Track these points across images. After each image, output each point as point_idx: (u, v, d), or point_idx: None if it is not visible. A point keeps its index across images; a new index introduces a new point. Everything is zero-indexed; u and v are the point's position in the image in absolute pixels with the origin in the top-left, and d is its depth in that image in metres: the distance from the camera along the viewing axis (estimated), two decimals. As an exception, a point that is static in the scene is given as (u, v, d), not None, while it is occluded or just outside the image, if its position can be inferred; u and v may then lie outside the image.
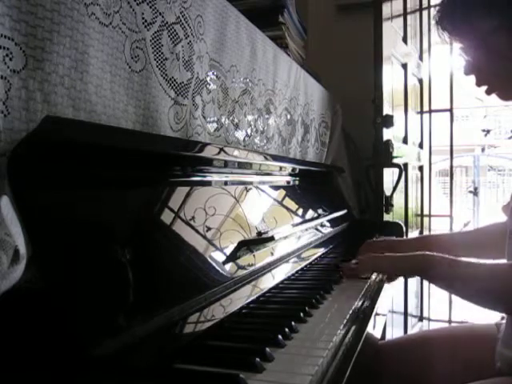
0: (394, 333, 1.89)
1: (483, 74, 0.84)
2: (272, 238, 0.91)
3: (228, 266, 0.77)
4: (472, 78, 0.86)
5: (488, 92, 0.85)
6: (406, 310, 2.15)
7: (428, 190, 2.57)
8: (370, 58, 1.80)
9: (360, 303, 0.83)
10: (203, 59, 0.89)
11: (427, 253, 0.90)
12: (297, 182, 1.39)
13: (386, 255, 1.01)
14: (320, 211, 1.45)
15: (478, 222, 9.00)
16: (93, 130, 0.57)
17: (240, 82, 1.07)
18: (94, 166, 0.57)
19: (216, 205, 0.83)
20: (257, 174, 1.10)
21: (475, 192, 9.39)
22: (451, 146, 2.82)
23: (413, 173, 2.25)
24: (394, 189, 1.87)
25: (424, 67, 2.46)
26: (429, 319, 2.66)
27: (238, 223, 0.88)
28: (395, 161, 1.84)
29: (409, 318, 2.19)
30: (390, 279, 1.07)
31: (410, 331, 2.19)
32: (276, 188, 1.20)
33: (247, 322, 0.71)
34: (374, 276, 1.03)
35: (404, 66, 2.11)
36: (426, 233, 2.51)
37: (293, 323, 0.66)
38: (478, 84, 0.86)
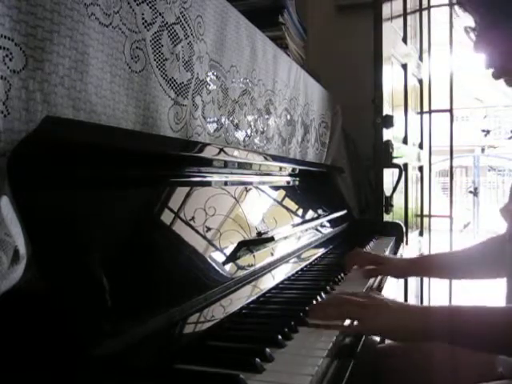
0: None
1: (495, 56, 0.81)
2: (272, 239, 0.91)
3: (228, 267, 0.77)
4: (481, 59, 0.84)
5: (496, 75, 0.83)
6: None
7: (428, 190, 2.57)
8: (370, 58, 1.80)
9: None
10: (203, 59, 0.89)
11: (421, 311, 0.78)
12: (297, 183, 1.39)
13: (375, 310, 0.75)
14: (320, 211, 1.45)
15: (477, 223, 9.01)
16: (93, 131, 0.57)
17: (240, 82, 1.07)
18: (93, 167, 0.57)
19: (216, 205, 0.83)
20: (257, 174, 1.10)
21: (475, 192, 9.39)
22: (451, 146, 2.82)
23: (413, 173, 2.25)
24: (394, 189, 1.87)
25: (424, 67, 2.46)
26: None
27: (237, 223, 0.88)
28: (395, 161, 1.84)
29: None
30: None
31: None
32: (276, 188, 1.20)
33: (247, 322, 0.71)
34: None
35: (404, 66, 2.11)
36: (425, 233, 2.51)
37: (293, 323, 0.66)
38: (487, 66, 0.83)
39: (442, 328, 0.72)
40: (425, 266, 1.15)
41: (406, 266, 1.16)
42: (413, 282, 2.23)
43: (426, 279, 2.46)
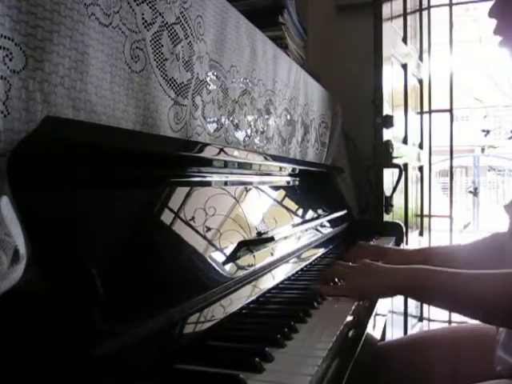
0: (394, 333, 1.88)
1: (506, 22, 0.81)
2: (272, 239, 0.91)
3: (228, 267, 0.77)
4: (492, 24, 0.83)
5: (501, 44, 0.83)
6: (405, 310, 2.15)
7: (428, 190, 2.57)
8: (370, 58, 1.80)
9: (360, 303, 0.83)
10: (203, 59, 0.89)
11: (423, 266, 0.79)
12: (297, 183, 1.39)
13: (375, 269, 0.80)
14: (320, 211, 1.45)
15: (477, 223, 9.01)
16: (93, 131, 0.57)
17: (240, 82, 1.07)
18: (93, 167, 0.57)
19: (216, 205, 0.83)
20: (257, 174, 1.10)
21: (475, 192, 9.40)
22: (451, 146, 2.82)
23: (413, 173, 2.25)
24: (394, 189, 1.87)
25: (424, 67, 2.46)
26: (429, 319, 2.66)
27: (237, 223, 0.88)
28: (395, 161, 1.84)
29: (409, 319, 2.19)
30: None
31: (410, 332, 2.19)
32: (276, 188, 1.20)
33: (247, 322, 0.71)
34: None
35: (404, 66, 2.11)
36: (425, 233, 2.51)
37: (293, 323, 0.66)
38: (495, 32, 0.83)
39: (441, 289, 0.73)
40: (426, 257, 1.16)
41: (408, 256, 1.17)
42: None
43: None
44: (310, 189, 1.50)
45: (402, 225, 1.76)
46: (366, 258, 1.12)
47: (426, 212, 2.53)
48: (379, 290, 0.80)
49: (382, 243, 1.57)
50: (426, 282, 0.75)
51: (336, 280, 0.91)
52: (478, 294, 0.72)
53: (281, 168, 1.26)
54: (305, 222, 1.25)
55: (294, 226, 1.15)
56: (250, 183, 1.03)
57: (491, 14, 0.83)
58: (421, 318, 2.52)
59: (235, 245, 0.82)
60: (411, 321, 2.29)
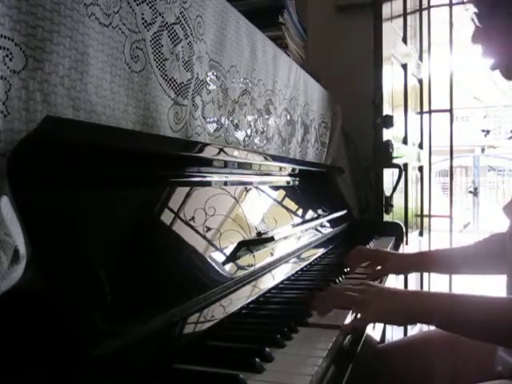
0: (394, 333, 1.88)
1: (492, 45, 0.82)
2: (272, 239, 0.91)
3: (228, 267, 0.77)
4: (478, 49, 0.84)
5: (492, 67, 0.84)
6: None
7: (428, 190, 2.57)
8: (370, 58, 1.80)
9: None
10: (203, 59, 0.89)
11: (423, 294, 0.80)
12: (296, 183, 1.39)
13: (376, 297, 0.77)
14: (320, 211, 1.45)
15: (477, 223, 9.01)
16: (92, 131, 0.57)
17: (240, 82, 1.07)
18: (93, 167, 0.57)
19: (216, 205, 0.83)
20: (256, 174, 1.10)
21: (475, 192, 9.40)
22: (451, 146, 2.82)
23: (413, 173, 2.25)
24: (394, 189, 1.87)
25: (424, 67, 2.46)
26: (429, 320, 2.65)
27: (237, 223, 0.88)
28: (395, 161, 1.84)
29: (409, 319, 2.19)
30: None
31: (410, 332, 2.19)
32: (276, 188, 1.20)
33: (247, 322, 0.71)
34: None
35: (404, 66, 2.11)
36: (425, 233, 2.51)
37: (293, 323, 0.66)
38: (484, 54, 0.84)
39: (442, 314, 0.74)
40: (426, 261, 1.15)
41: (408, 262, 1.16)
42: (412, 278, 2.23)
43: (425, 275, 2.46)
44: (310, 189, 1.50)
45: (402, 225, 1.76)
46: (366, 263, 1.12)
47: (425, 212, 2.53)
48: (394, 318, 0.78)
49: (382, 243, 1.57)
50: (427, 311, 0.75)
51: None
52: (477, 322, 0.73)
53: (281, 168, 1.26)
54: (305, 222, 1.25)
55: (294, 226, 1.15)
56: (250, 183, 1.03)
57: (475, 40, 0.83)
58: (421, 319, 2.51)
59: (235, 245, 0.82)
60: (411, 321, 2.28)
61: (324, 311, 0.75)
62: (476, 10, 0.82)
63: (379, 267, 1.11)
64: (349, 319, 0.73)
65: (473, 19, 0.83)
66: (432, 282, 2.65)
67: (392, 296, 0.76)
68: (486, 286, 2.23)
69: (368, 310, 0.73)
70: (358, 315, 0.74)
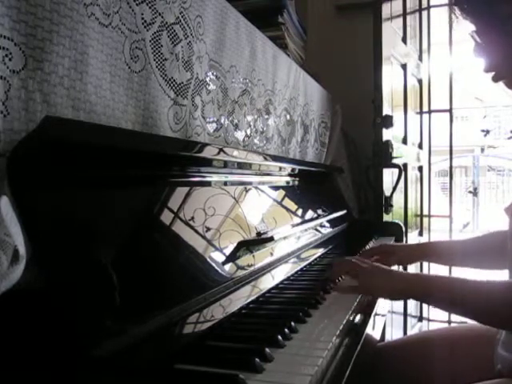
0: (394, 333, 1.89)
1: (493, 59, 0.82)
2: (271, 239, 0.91)
3: (228, 267, 0.77)
4: (480, 63, 0.84)
5: (495, 79, 0.84)
6: (405, 310, 2.15)
7: (427, 190, 2.57)
8: (370, 59, 1.80)
9: (359, 304, 0.83)
10: (203, 59, 0.89)
11: (423, 276, 0.88)
12: (296, 183, 1.39)
13: (381, 271, 0.86)
14: (319, 211, 1.45)
15: (477, 223, 9.01)
16: (92, 131, 0.57)
17: (239, 82, 1.07)
18: (93, 167, 0.57)
19: (216, 205, 0.83)
20: (256, 174, 1.10)
21: (475, 192, 9.40)
22: (451, 146, 2.82)
23: (412, 173, 2.25)
24: (394, 189, 1.87)
25: (423, 67, 2.46)
26: (428, 319, 2.66)
27: (237, 223, 0.88)
28: (395, 161, 1.84)
29: (408, 319, 2.19)
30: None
31: (410, 332, 2.19)
32: (275, 188, 1.20)
33: (247, 322, 0.71)
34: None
35: (403, 66, 2.11)
36: (425, 233, 2.51)
37: (292, 323, 0.66)
38: (486, 70, 0.84)
39: (442, 295, 0.79)
40: (427, 252, 1.16)
41: (413, 252, 1.18)
42: (411, 270, 2.23)
43: (425, 267, 2.46)
44: (310, 189, 1.50)
45: (402, 225, 1.76)
46: (374, 257, 1.13)
47: (425, 212, 2.53)
48: (387, 292, 0.86)
49: (381, 243, 1.57)
50: (427, 292, 0.81)
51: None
52: (476, 304, 0.77)
53: (280, 168, 1.26)
54: (304, 222, 1.25)
55: (294, 226, 1.14)
56: (250, 183, 1.03)
57: (476, 55, 0.84)
58: (420, 318, 2.52)
59: (235, 245, 0.82)
60: (411, 321, 2.29)
61: (335, 275, 0.92)
62: (476, 27, 0.83)
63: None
64: (349, 319, 0.73)
65: (472, 35, 0.83)
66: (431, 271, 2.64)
67: (397, 274, 0.86)
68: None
69: (372, 280, 0.83)
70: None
